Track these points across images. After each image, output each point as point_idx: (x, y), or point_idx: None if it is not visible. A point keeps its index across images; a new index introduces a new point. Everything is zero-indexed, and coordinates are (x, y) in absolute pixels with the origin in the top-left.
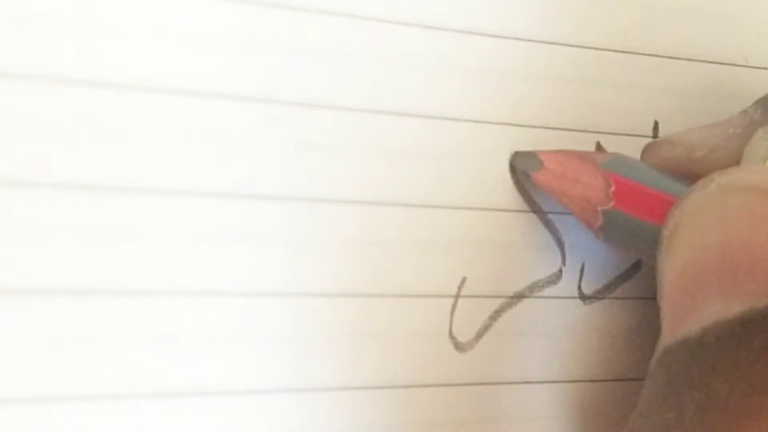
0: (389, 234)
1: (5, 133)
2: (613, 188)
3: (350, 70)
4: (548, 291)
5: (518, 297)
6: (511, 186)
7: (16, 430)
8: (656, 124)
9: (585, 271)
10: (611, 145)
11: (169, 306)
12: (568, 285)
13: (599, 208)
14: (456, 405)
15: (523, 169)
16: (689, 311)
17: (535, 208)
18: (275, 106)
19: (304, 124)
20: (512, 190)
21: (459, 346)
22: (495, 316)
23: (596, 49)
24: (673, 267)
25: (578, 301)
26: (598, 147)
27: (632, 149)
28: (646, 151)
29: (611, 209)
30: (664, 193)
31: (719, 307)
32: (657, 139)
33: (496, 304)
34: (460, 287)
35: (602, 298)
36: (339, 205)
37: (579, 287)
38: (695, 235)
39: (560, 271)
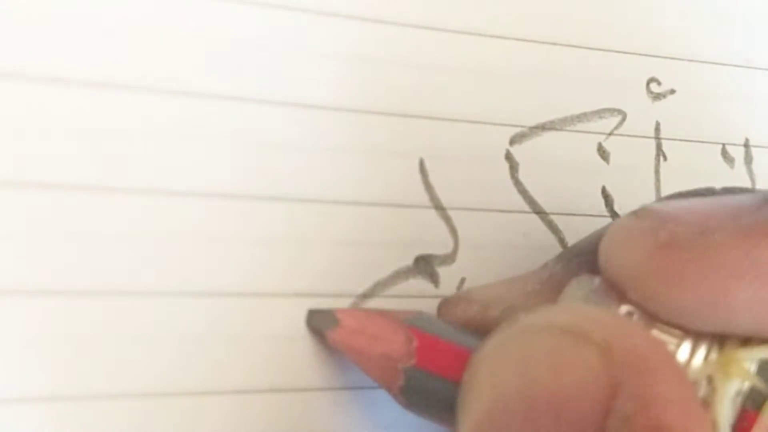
0: (386, 234)
1: (5, 133)
2: (415, 344)
3: (349, 71)
4: None
5: None
6: (512, 187)
7: (16, 430)
8: (658, 124)
9: None
10: (612, 146)
11: (168, 306)
12: None
13: (400, 366)
14: None
15: (318, 327)
16: None
17: (537, 209)
18: (274, 106)
19: (303, 124)
20: (512, 191)
21: None
22: None
23: (595, 49)
24: (471, 414)
25: None
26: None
27: (634, 150)
28: (442, 308)
29: (413, 367)
30: (468, 349)
31: None
32: (452, 296)
33: None
34: (459, 288)
35: None
36: (337, 206)
37: None
38: (496, 378)
39: None
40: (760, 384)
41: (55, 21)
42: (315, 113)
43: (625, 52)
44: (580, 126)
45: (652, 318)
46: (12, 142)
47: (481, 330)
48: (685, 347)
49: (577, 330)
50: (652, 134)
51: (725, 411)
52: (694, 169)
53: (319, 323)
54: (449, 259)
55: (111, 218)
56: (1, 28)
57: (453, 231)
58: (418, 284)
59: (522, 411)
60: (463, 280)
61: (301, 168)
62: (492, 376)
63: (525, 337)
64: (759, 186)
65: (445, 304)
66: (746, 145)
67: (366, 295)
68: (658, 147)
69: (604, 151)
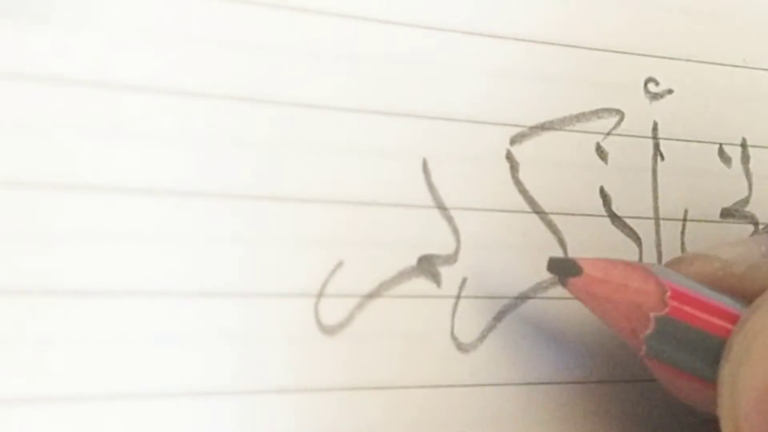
0: (389, 234)
1: (5, 133)
2: (669, 293)
3: (349, 71)
4: (552, 292)
5: (522, 298)
6: (512, 186)
7: (16, 430)
8: (655, 124)
9: None
10: (610, 146)
11: (168, 306)
12: None
13: (652, 315)
14: (457, 406)
15: (558, 274)
16: None
17: (537, 209)
18: (274, 106)
19: (302, 124)
20: (513, 190)
21: (461, 347)
22: (499, 316)
23: (595, 49)
24: (746, 390)
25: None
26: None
27: (631, 150)
28: (679, 264)
29: (666, 316)
30: (722, 304)
31: None
32: (682, 255)
33: (499, 304)
34: (461, 288)
35: None
36: (338, 205)
37: None
38: None
39: None
40: None
41: (55, 21)
42: (315, 113)
43: (623, 52)
44: (578, 126)
45: None
46: (12, 142)
47: (722, 287)
48: None
49: None
50: (650, 134)
51: None
52: (691, 168)
53: (560, 270)
54: (451, 259)
55: (111, 218)
56: (0, 28)
57: (455, 231)
58: (421, 284)
59: None
60: (464, 280)
61: (304, 168)
62: None
63: None
64: (755, 186)
65: (676, 263)
66: (743, 145)
67: (371, 296)
68: (656, 147)
69: (602, 151)
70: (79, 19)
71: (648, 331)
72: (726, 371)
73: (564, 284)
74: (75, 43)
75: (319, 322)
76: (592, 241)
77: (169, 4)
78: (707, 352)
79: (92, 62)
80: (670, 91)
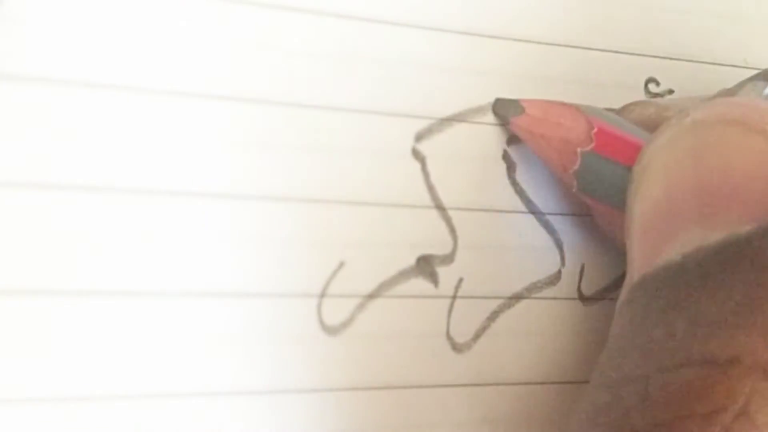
0: (388, 235)
1: (5, 133)
2: (595, 130)
3: (348, 71)
4: (547, 292)
5: (516, 298)
6: (509, 187)
7: (16, 430)
8: None
9: (585, 273)
10: None
11: (169, 307)
12: (567, 286)
13: (579, 150)
14: (452, 406)
15: (503, 113)
16: (666, 239)
17: (533, 209)
18: (274, 106)
19: (302, 124)
20: (510, 191)
21: (456, 347)
22: (493, 316)
23: (593, 49)
24: (645, 200)
25: (578, 302)
26: None
27: None
28: (624, 110)
29: (591, 151)
30: (642, 141)
31: (699, 235)
32: (630, 102)
33: (494, 304)
34: (457, 288)
35: (602, 300)
36: (338, 205)
37: (579, 288)
38: (670, 168)
39: (559, 272)
40: None
41: (55, 21)
42: (315, 113)
43: (623, 53)
44: None
45: None
46: (12, 142)
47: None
48: None
49: (744, 120)
50: None
51: None
52: None
53: (505, 110)
54: (448, 259)
55: (111, 218)
56: (1, 28)
57: (453, 231)
58: (419, 284)
59: (697, 192)
60: (461, 280)
61: (303, 168)
62: (665, 166)
63: (696, 130)
64: None
65: (626, 106)
66: None
67: (372, 296)
68: None
69: None
70: (79, 19)
71: (575, 167)
72: (628, 199)
73: (508, 123)
74: (74, 43)
75: (322, 323)
76: (590, 241)
77: (170, 4)
78: (625, 184)
79: (92, 62)
80: (670, 92)
